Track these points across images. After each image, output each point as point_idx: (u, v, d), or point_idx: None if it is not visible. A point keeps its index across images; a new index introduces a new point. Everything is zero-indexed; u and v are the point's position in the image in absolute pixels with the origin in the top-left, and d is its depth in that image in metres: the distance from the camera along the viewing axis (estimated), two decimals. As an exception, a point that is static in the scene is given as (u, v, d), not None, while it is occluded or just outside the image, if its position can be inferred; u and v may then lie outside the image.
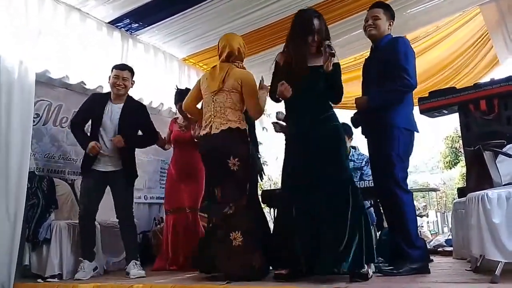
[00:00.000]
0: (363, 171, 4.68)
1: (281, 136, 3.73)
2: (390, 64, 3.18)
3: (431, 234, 10.15)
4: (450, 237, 4.65)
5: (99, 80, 4.47)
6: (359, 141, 5.01)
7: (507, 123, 4.02)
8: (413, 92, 3.31)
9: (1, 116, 3.56)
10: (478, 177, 3.29)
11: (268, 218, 3.95)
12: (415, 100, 3.52)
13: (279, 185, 3.55)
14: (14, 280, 3.48)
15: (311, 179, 3.05)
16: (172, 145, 4.59)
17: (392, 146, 3.14)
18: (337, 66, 3.13)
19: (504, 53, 5.66)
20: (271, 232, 3.39)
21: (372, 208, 4.45)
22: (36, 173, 4.08)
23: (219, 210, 3.36)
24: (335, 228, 2.93)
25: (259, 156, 4.18)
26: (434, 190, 18.63)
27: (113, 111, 3.93)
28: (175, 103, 4.62)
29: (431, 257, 3.91)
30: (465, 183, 4.30)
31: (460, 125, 4.37)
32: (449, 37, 6.37)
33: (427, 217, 13.32)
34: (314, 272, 2.96)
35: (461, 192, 4.32)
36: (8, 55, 3.64)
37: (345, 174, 3.11)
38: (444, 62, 6.60)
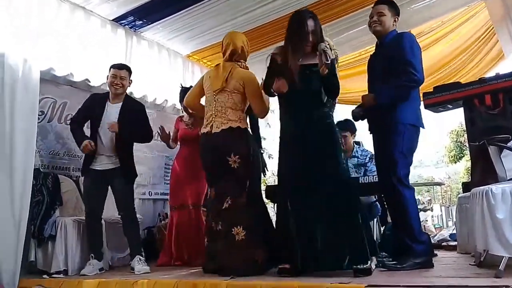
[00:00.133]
0: (367, 167, 4.67)
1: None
2: (395, 60, 3.17)
3: (436, 228, 10.11)
4: (454, 231, 4.64)
5: (103, 77, 4.45)
6: (363, 138, 5.03)
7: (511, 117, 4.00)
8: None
9: (5, 113, 3.57)
10: (483, 171, 3.29)
11: (272, 213, 3.97)
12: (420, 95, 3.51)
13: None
14: (20, 276, 3.51)
15: (309, 180, 3.08)
16: (179, 143, 4.61)
17: (396, 143, 3.14)
18: (333, 64, 3.15)
19: (510, 47, 5.62)
20: (274, 229, 3.40)
21: (377, 202, 4.45)
22: (41, 170, 4.10)
23: (216, 206, 3.42)
24: (335, 228, 2.99)
25: (262, 151, 4.18)
26: (439, 184, 18.66)
27: (111, 111, 3.95)
28: (180, 101, 4.63)
29: (435, 252, 3.92)
30: (469, 178, 4.28)
31: (465, 120, 4.35)
32: (454, 32, 6.34)
33: (432, 211, 13.28)
34: (316, 270, 2.98)
35: (466, 186, 4.31)
36: (12, 53, 3.65)
37: (341, 172, 3.16)
38: (448, 57, 6.57)
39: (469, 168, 5.58)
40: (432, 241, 4.51)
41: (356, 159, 4.75)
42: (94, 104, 3.99)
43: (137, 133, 4.05)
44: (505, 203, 2.64)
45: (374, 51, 3.53)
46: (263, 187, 4.73)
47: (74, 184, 4.36)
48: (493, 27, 5.93)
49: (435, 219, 12.55)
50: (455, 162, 22.27)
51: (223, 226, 3.35)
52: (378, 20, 3.31)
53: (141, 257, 3.87)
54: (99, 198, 3.93)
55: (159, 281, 3.12)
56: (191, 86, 4.59)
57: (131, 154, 4.06)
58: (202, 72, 5.90)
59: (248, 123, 3.72)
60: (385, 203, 4.02)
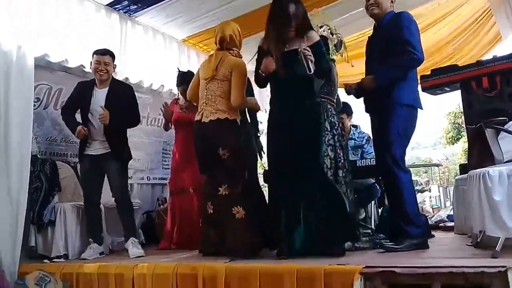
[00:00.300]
0: (363, 149, 4.70)
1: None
2: (393, 41, 3.16)
3: (434, 208, 10.20)
4: (451, 212, 4.68)
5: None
6: (359, 121, 5.04)
7: (509, 100, 3.99)
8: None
9: (0, 101, 3.54)
10: (480, 154, 3.30)
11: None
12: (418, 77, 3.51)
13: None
14: (21, 261, 3.54)
15: (293, 167, 3.10)
16: (174, 127, 4.59)
17: (393, 124, 3.14)
18: (320, 47, 3.14)
19: (507, 29, 5.58)
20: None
21: (376, 184, 4.48)
22: (39, 156, 4.11)
23: (210, 191, 3.50)
24: (319, 213, 3.07)
25: (258, 134, 4.18)
26: (437, 165, 18.80)
27: (99, 97, 3.95)
28: (177, 86, 4.62)
29: (433, 233, 3.96)
30: (467, 159, 4.30)
31: (462, 103, 4.35)
32: (451, 14, 6.27)
33: (430, 191, 13.36)
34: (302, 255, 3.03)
35: (463, 168, 4.33)
36: (5, 39, 3.61)
37: (321, 160, 3.18)
38: (446, 40, 6.52)
39: (467, 150, 5.60)
40: (430, 222, 4.56)
41: (353, 141, 4.77)
42: (82, 91, 4.00)
43: (128, 119, 4.06)
44: (502, 185, 2.65)
45: (372, 33, 3.51)
46: (261, 171, 4.76)
47: (72, 170, 4.39)
48: (490, 9, 5.88)
49: (433, 200, 12.64)
50: (453, 144, 22.34)
51: (219, 210, 3.43)
52: (375, 2, 3.29)
53: (135, 240, 3.92)
54: (96, 183, 3.95)
55: (159, 265, 3.15)
56: (188, 71, 4.60)
57: (123, 138, 4.06)
58: (198, 56, 5.86)
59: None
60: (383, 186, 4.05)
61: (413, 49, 3.08)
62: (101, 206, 4.04)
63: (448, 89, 4.48)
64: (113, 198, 4.01)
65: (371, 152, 4.38)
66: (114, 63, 4.07)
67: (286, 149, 3.13)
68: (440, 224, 4.81)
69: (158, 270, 3.04)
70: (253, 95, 4.03)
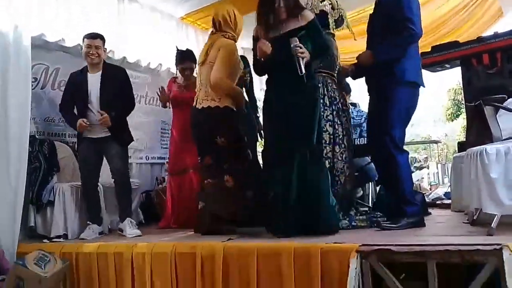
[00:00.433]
0: (362, 128, 4.67)
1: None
2: (394, 18, 3.11)
3: (432, 185, 10.26)
4: (449, 189, 4.70)
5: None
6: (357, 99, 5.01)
7: (509, 77, 3.98)
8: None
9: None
10: (478, 131, 3.29)
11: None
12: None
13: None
14: (20, 241, 3.57)
15: (287, 149, 3.08)
16: (171, 106, 4.56)
17: (394, 104, 3.10)
18: (316, 25, 3.10)
19: (508, 4, 5.53)
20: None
21: (372, 163, 4.47)
22: (37, 137, 4.09)
23: (209, 172, 3.53)
24: (312, 192, 3.07)
25: (258, 115, 4.16)
26: (436, 142, 18.77)
27: (93, 81, 3.90)
28: (176, 65, 4.56)
29: (430, 210, 3.98)
30: (466, 136, 4.29)
31: (462, 80, 4.34)
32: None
33: (428, 168, 13.39)
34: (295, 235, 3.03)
35: (461, 146, 4.33)
36: (2, 19, 3.58)
37: (313, 138, 3.14)
38: (446, 16, 6.44)
39: (466, 127, 5.59)
40: (427, 200, 4.59)
41: (351, 119, 4.74)
42: (76, 81, 3.96)
43: (125, 108, 4.04)
44: (499, 162, 2.65)
45: (373, 10, 3.46)
46: (260, 150, 4.75)
47: (70, 150, 4.38)
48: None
49: (431, 177, 12.68)
50: (452, 120, 22.28)
51: (214, 179, 3.47)
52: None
53: (132, 220, 3.94)
54: (94, 165, 3.95)
55: (157, 244, 3.18)
56: (187, 49, 4.54)
57: (122, 122, 4.03)
58: (197, 34, 5.82)
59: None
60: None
61: (412, 24, 3.03)
62: (100, 186, 4.05)
63: (448, 66, 4.47)
64: (112, 178, 4.02)
65: (370, 130, 4.36)
66: (105, 47, 4.00)
67: (282, 129, 3.12)
68: (437, 202, 4.83)
69: (157, 249, 3.07)
70: (252, 91, 4.02)
